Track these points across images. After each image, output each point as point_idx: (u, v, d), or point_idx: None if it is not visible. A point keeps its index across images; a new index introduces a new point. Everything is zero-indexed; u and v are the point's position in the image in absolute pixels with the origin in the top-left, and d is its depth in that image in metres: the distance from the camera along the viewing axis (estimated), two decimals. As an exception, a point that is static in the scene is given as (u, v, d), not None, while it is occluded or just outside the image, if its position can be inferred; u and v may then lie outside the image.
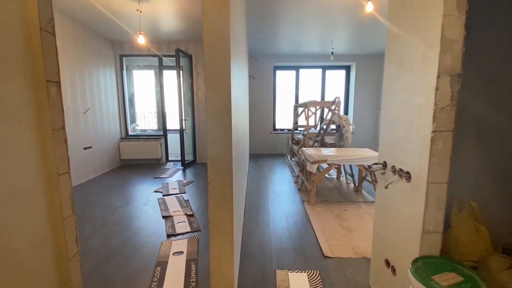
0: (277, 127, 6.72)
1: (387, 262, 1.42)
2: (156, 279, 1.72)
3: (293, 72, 6.53)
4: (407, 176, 1.21)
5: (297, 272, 1.80)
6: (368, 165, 1.60)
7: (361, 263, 1.89)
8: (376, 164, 1.48)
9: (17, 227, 0.94)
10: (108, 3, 3.14)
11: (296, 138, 5.38)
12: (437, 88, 1.03)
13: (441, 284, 0.97)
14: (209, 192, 1.34)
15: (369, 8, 2.75)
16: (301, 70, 6.50)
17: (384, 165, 1.42)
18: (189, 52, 5.23)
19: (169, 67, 5.38)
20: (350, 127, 3.71)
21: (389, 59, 1.40)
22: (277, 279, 1.72)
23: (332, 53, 5.57)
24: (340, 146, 3.90)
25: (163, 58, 5.18)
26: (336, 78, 6.71)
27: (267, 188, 3.74)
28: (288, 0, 3.11)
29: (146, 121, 6.11)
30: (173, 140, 5.81)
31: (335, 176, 4.23)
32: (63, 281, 1.21)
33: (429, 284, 0.97)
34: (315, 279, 1.71)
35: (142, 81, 5.78)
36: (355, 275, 1.76)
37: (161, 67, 5.23)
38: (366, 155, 3.03)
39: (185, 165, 5.11)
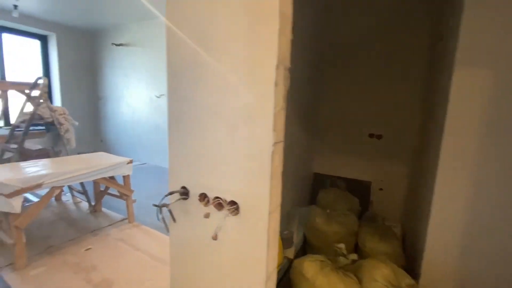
0: None
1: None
2: None
3: None
4: (233, 207, 0.83)
5: None
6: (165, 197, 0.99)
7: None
8: (172, 193, 0.93)
9: None
10: None
11: None
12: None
13: None
14: None
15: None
16: None
17: (184, 192, 0.93)
18: None
19: None
20: (72, 124, 2.56)
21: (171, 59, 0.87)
22: None
23: (16, 6, 3.54)
24: (56, 154, 2.59)
25: None
26: (27, 49, 4.55)
27: None
28: None
29: None
30: None
31: (52, 198, 2.81)
32: None
33: None
34: None
35: None
36: None
37: None
38: (106, 162, 2.22)
39: None
